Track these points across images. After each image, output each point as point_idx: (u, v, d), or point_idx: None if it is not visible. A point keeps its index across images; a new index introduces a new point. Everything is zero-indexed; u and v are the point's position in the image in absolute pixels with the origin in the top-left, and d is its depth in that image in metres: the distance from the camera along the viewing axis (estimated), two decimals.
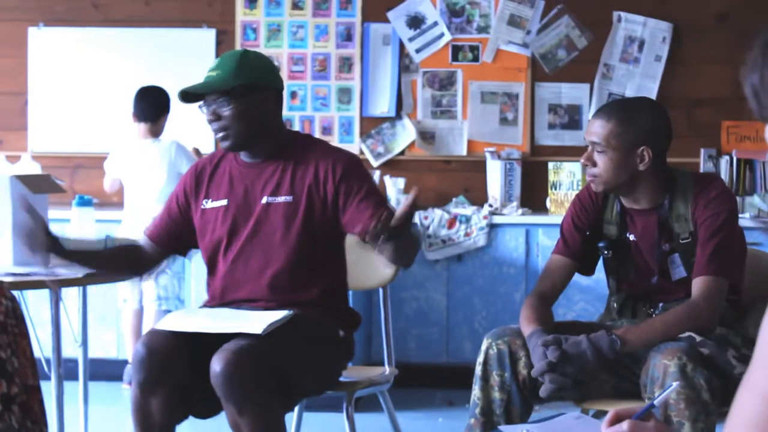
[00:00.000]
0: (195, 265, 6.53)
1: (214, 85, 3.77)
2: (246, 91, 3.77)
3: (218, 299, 3.89)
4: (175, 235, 3.98)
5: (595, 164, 3.69)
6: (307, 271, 3.83)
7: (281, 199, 3.82)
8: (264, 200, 3.84)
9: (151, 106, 6.68)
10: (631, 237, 3.79)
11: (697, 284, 3.60)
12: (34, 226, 3.77)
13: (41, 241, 3.77)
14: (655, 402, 2.21)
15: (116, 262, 4.02)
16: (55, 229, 3.87)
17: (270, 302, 3.80)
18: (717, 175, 3.69)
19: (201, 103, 3.83)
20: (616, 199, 3.81)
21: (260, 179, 3.86)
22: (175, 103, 6.72)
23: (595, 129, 3.68)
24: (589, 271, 3.96)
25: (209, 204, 3.91)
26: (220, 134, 3.78)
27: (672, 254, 3.73)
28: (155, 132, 6.68)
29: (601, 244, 3.83)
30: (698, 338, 3.49)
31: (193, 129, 7.14)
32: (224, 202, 3.89)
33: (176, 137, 6.72)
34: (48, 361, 4.38)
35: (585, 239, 3.85)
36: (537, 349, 3.50)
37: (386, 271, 4.33)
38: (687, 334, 3.50)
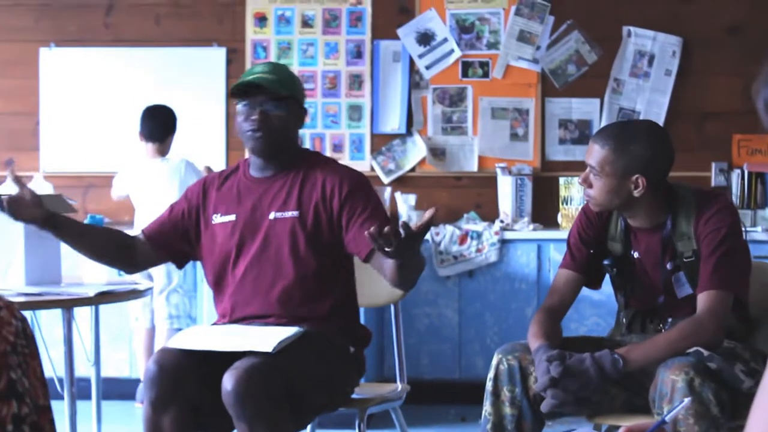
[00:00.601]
0: (206, 283, 6.54)
1: (276, 87, 3.81)
2: (293, 101, 3.87)
3: (229, 316, 3.89)
4: (171, 241, 3.98)
5: (591, 186, 3.71)
6: (316, 286, 3.84)
7: (289, 214, 3.84)
8: (272, 216, 3.85)
9: (159, 125, 6.70)
10: (636, 255, 3.80)
11: (702, 299, 3.60)
12: (22, 194, 3.78)
13: (28, 210, 3.77)
14: (666, 418, 2.22)
15: (105, 243, 3.97)
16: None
17: (280, 318, 3.81)
18: (720, 191, 3.67)
19: (244, 101, 3.83)
20: (620, 216, 3.82)
21: (268, 194, 3.89)
22: (183, 121, 6.78)
23: (591, 153, 3.71)
24: (596, 284, 3.96)
25: (218, 219, 3.92)
26: (259, 133, 3.81)
27: (676, 272, 3.74)
28: (163, 151, 6.69)
29: (606, 262, 3.83)
30: (706, 353, 3.48)
31: (201, 147, 7.17)
32: (232, 217, 3.91)
33: (185, 155, 6.74)
34: (61, 380, 4.40)
35: (591, 253, 3.86)
36: (541, 365, 3.51)
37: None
38: (694, 348, 3.50)
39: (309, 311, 3.82)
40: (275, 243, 3.84)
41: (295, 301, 3.82)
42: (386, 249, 3.32)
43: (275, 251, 3.84)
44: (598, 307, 6.46)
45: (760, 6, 7.17)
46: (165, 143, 6.70)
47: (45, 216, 3.81)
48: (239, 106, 3.86)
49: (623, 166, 3.64)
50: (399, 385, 4.36)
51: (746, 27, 7.20)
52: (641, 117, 7.17)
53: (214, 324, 3.99)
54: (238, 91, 3.85)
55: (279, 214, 3.85)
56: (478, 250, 6.70)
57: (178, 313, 6.63)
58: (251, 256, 3.86)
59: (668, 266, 3.74)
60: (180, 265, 4.12)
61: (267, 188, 3.90)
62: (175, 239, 3.98)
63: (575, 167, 7.09)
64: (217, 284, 3.95)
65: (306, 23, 7.45)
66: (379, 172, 7.34)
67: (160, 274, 6.59)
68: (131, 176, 6.73)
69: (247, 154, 7.23)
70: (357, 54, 7.44)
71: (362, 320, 4.12)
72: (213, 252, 3.93)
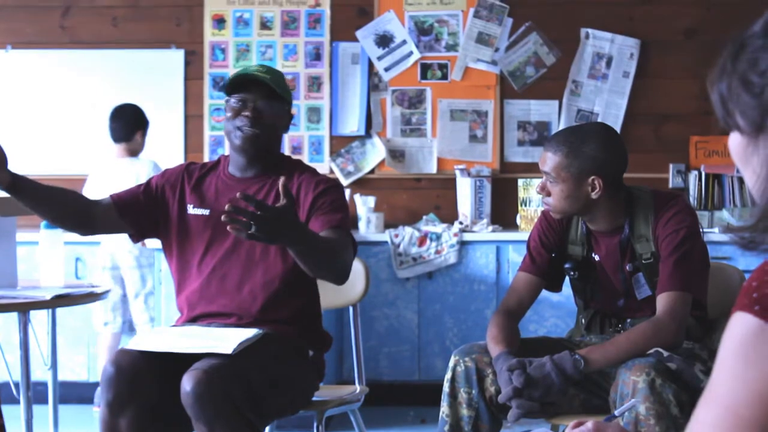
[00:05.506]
0: (165, 285, 6.52)
1: (274, 85, 3.82)
2: (284, 104, 3.89)
3: (189, 311, 3.88)
4: (139, 212, 3.94)
5: (549, 194, 3.73)
6: (282, 290, 3.83)
7: None
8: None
9: (124, 125, 6.67)
10: (597, 258, 3.82)
11: (661, 300, 3.62)
12: None
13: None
14: (616, 413, 2.29)
15: (65, 205, 3.87)
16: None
17: (242, 318, 3.80)
18: (677, 193, 3.69)
19: (235, 96, 3.83)
20: (580, 219, 3.84)
21: None
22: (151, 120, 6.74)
23: (545, 161, 3.73)
24: (556, 287, 3.98)
25: (191, 210, 3.91)
26: (250, 131, 3.80)
27: (636, 274, 3.76)
28: (132, 151, 6.66)
29: (567, 266, 3.85)
30: (666, 353, 3.50)
31: (160, 149, 7.13)
32: (206, 211, 3.90)
33: (153, 157, 6.71)
34: (17, 384, 4.36)
35: (552, 257, 3.87)
36: (503, 374, 3.52)
37: (356, 289, 4.33)
38: (654, 349, 3.52)
39: (272, 314, 3.81)
40: (247, 244, 3.82)
41: (259, 304, 3.82)
42: (249, 232, 3.27)
43: (246, 253, 3.83)
44: (557, 309, 6.48)
45: (716, 9, 7.22)
46: (133, 142, 6.67)
47: (9, 180, 3.74)
48: (231, 102, 3.84)
49: (578, 168, 3.66)
50: (357, 387, 4.35)
51: (703, 30, 7.25)
52: (599, 119, 7.21)
53: (175, 324, 3.97)
54: (229, 86, 3.85)
55: None
56: (438, 252, 6.71)
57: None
58: (221, 255, 3.85)
59: (627, 268, 3.76)
60: (136, 239, 4.05)
61: (245, 188, 3.87)
62: (143, 212, 3.94)
63: (534, 169, 7.11)
64: (180, 275, 3.94)
65: (264, 25, 7.44)
66: (338, 174, 7.33)
67: (134, 278, 6.59)
68: (99, 177, 6.67)
69: (207, 157, 7.24)
70: (316, 56, 7.43)
71: (323, 323, 4.10)
72: (182, 242, 3.91)
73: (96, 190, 6.69)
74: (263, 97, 3.83)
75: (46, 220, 3.97)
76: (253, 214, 3.23)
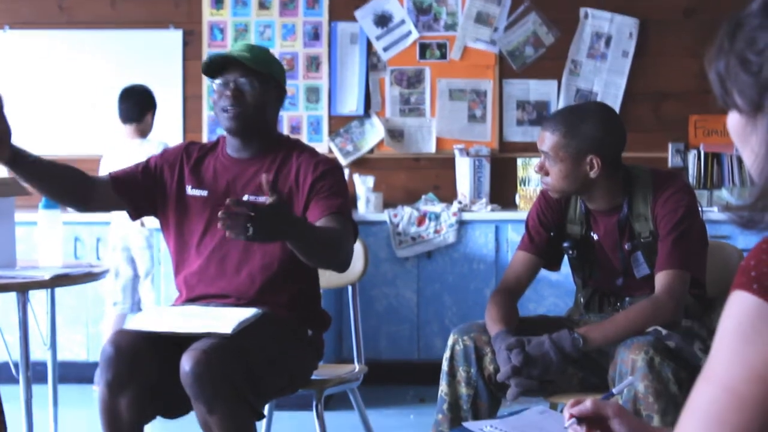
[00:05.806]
0: (165, 264, 6.52)
1: (252, 63, 3.80)
2: (270, 80, 3.85)
3: (188, 292, 3.89)
4: (137, 190, 3.93)
5: (547, 173, 3.73)
6: (281, 273, 3.83)
7: (262, 199, 3.80)
8: (245, 198, 3.82)
9: (133, 106, 6.65)
10: (595, 237, 3.82)
11: (660, 279, 3.62)
12: None
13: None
14: (615, 391, 2.30)
15: (63, 180, 3.84)
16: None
17: (240, 300, 3.80)
18: (677, 172, 3.65)
19: (219, 81, 3.82)
20: (579, 198, 3.84)
21: (243, 177, 3.87)
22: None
23: (543, 140, 3.72)
24: (555, 266, 3.98)
25: (190, 191, 3.91)
26: (233, 111, 3.80)
27: (634, 253, 3.76)
28: (143, 131, 6.65)
29: (565, 244, 3.85)
30: (664, 332, 3.51)
31: (158, 129, 7.12)
32: (204, 192, 3.89)
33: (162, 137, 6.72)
34: (16, 364, 4.36)
35: (551, 236, 3.87)
36: (501, 353, 3.53)
37: (355, 269, 4.33)
38: (653, 327, 3.52)
39: (270, 297, 3.81)
40: None
41: (257, 287, 3.82)
42: (247, 234, 3.28)
43: None
44: (555, 287, 6.48)
45: None
46: (143, 123, 6.65)
47: (10, 154, 3.72)
48: (215, 85, 3.85)
49: (576, 147, 3.66)
50: (356, 366, 4.36)
51: (702, 9, 7.24)
52: (598, 98, 7.20)
53: (174, 304, 3.97)
54: (211, 70, 3.84)
55: (252, 198, 3.81)
56: (437, 231, 6.71)
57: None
58: (220, 236, 3.83)
59: (626, 247, 3.76)
60: (134, 217, 4.02)
61: (242, 170, 3.88)
62: (141, 191, 3.93)
63: (533, 148, 7.10)
64: (179, 256, 3.94)
65: (263, 5, 7.42)
66: (337, 154, 7.33)
67: (145, 258, 6.59)
68: (111, 159, 6.65)
69: (205, 137, 7.24)
70: (314, 36, 7.42)
71: (322, 303, 4.10)
72: (180, 222, 3.91)
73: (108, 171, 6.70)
74: (244, 76, 3.81)
75: (44, 195, 3.98)
76: (248, 217, 3.24)
